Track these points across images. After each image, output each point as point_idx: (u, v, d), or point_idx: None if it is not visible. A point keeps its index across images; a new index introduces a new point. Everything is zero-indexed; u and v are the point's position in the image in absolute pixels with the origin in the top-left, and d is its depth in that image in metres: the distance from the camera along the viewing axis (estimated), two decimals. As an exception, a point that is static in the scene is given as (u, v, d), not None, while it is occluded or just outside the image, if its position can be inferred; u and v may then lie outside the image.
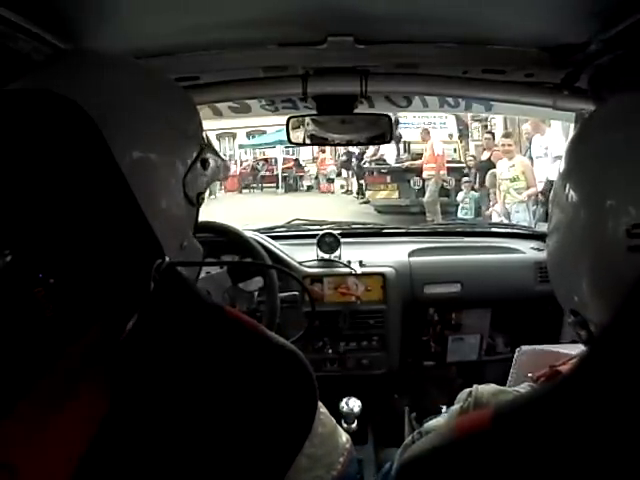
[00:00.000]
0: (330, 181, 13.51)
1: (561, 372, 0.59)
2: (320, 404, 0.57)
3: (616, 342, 0.39)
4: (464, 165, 8.42)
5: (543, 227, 1.98)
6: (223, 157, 0.65)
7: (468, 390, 0.65)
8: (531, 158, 5.67)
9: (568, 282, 0.55)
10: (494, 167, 6.27)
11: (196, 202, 0.59)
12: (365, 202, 9.65)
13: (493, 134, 7.25)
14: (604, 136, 0.52)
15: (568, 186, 0.53)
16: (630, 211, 0.47)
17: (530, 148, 5.94)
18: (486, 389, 0.62)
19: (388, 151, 9.28)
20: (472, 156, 8.93)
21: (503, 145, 5.49)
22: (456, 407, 0.65)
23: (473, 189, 7.10)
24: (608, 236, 0.48)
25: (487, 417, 0.42)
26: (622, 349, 0.38)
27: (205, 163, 0.60)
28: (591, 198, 0.50)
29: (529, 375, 0.64)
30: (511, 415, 0.42)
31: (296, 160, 15.36)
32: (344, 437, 0.62)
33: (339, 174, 13.41)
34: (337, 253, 1.66)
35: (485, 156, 7.10)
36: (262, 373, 0.51)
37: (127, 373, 0.47)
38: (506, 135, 5.85)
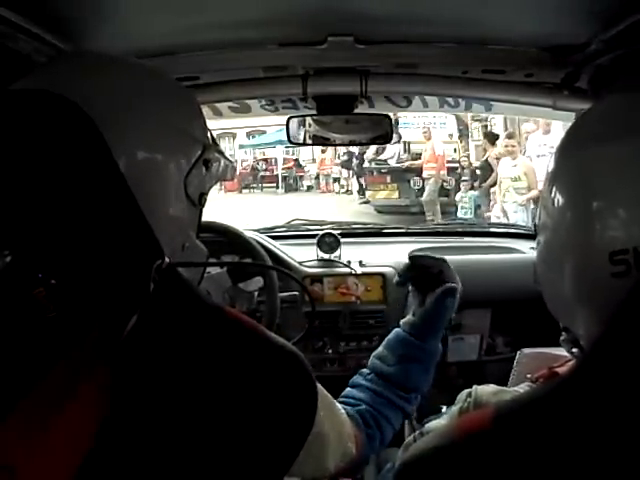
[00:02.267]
0: (336, 181, 13.50)
1: (558, 373, 0.59)
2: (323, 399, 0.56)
3: (612, 346, 0.39)
4: (464, 165, 8.42)
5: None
6: (229, 158, 0.65)
7: (467, 391, 0.65)
8: (529, 157, 5.68)
9: (555, 293, 0.55)
10: (492, 168, 6.28)
11: (198, 203, 0.59)
12: (365, 202, 9.66)
13: (492, 134, 7.24)
14: (589, 149, 0.50)
15: (553, 193, 0.52)
16: (614, 235, 0.46)
17: (526, 147, 5.95)
18: (486, 389, 0.62)
19: (390, 151, 9.28)
20: (466, 156, 8.93)
21: (506, 146, 5.49)
22: (456, 408, 0.65)
23: (472, 188, 7.10)
24: (592, 259, 0.47)
25: (488, 417, 0.42)
26: (617, 352, 0.38)
27: (208, 163, 0.59)
28: (572, 198, 0.49)
29: (528, 376, 0.64)
30: (512, 415, 0.42)
31: (296, 160, 15.36)
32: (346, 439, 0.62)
33: (339, 174, 13.41)
34: (337, 253, 1.66)
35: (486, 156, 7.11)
36: (262, 374, 0.50)
37: (128, 373, 0.47)
38: (509, 136, 5.84)
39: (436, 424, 0.67)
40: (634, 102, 0.52)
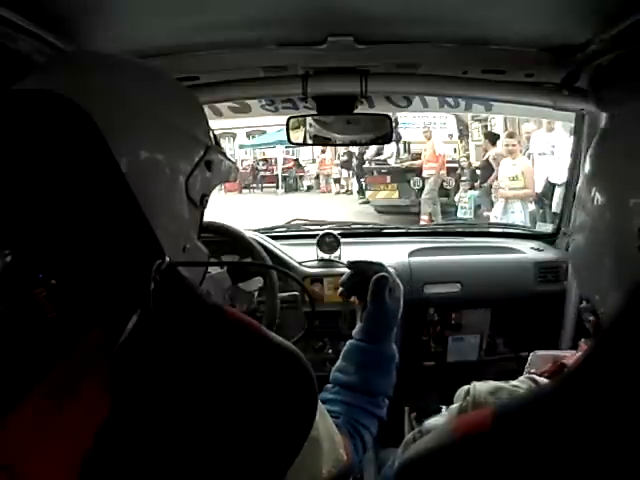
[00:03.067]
0: (337, 181, 13.50)
1: (566, 365, 0.59)
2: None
3: (617, 344, 0.39)
4: (464, 165, 8.43)
5: (543, 227, 1.98)
6: (231, 159, 0.64)
7: (466, 388, 0.64)
8: (529, 156, 5.68)
9: (589, 276, 0.56)
10: (492, 168, 6.28)
11: (200, 204, 0.58)
12: (365, 202, 9.66)
13: (493, 134, 7.24)
14: (626, 136, 0.52)
15: (590, 188, 0.54)
16: None
17: (528, 146, 5.96)
18: (484, 387, 0.62)
19: (387, 151, 9.31)
20: (465, 157, 8.94)
21: (507, 145, 5.50)
22: (455, 406, 0.64)
23: (472, 188, 7.10)
24: (623, 236, 0.48)
25: (487, 417, 0.42)
26: (616, 354, 0.38)
27: (210, 165, 0.58)
28: (611, 198, 0.51)
29: (532, 371, 0.63)
30: (511, 415, 0.42)
31: (296, 160, 15.35)
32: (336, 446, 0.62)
33: (340, 174, 13.41)
34: (337, 253, 1.66)
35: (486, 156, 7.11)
36: (262, 373, 0.50)
37: (128, 373, 0.47)
38: (510, 135, 5.85)
39: (435, 422, 0.67)
40: None
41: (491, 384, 0.62)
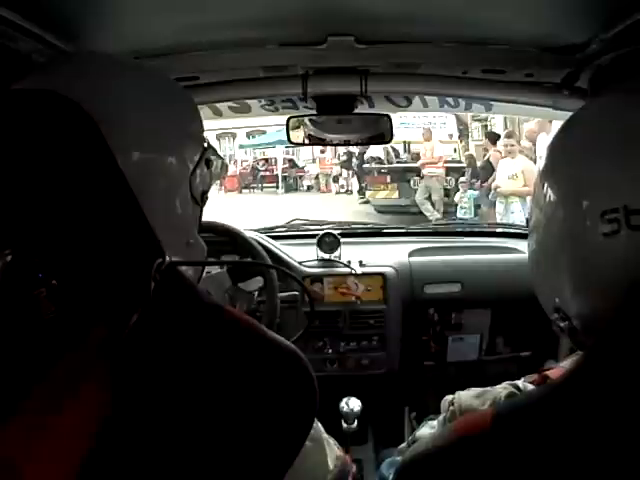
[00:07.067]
0: (336, 181, 13.51)
1: (549, 376, 0.57)
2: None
3: (617, 344, 0.39)
4: (464, 165, 8.44)
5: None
6: (222, 156, 0.66)
7: (450, 397, 0.65)
8: (535, 161, 5.68)
9: (549, 281, 0.54)
10: (493, 167, 6.28)
11: (201, 201, 0.60)
12: (365, 202, 9.68)
13: (493, 134, 7.25)
14: (581, 132, 0.51)
15: (546, 183, 0.52)
16: (602, 197, 0.45)
17: (530, 146, 5.95)
18: (467, 394, 0.63)
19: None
20: (464, 156, 8.97)
21: (506, 145, 5.49)
22: (441, 417, 0.65)
23: (472, 188, 7.11)
24: (583, 226, 0.46)
25: (487, 418, 0.42)
26: (623, 351, 0.38)
27: (209, 162, 0.60)
28: (567, 192, 0.49)
29: (517, 382, 0.62)
30: (511, 416, 0.42)
31: (290, 161, 15.33)
32: (333, 454, 0.62)
33: (339, 174, 13.43)
34: (337, 253, 1.66)
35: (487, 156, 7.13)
36: (262, 373, 0.51)
37: (128, 373, 0.47)
38: (509, 135, 5.85)
39: (422, 432, 0.68)
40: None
41: (474, 390, 0.63)
